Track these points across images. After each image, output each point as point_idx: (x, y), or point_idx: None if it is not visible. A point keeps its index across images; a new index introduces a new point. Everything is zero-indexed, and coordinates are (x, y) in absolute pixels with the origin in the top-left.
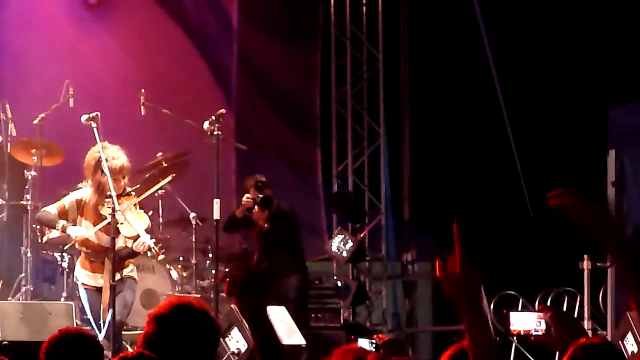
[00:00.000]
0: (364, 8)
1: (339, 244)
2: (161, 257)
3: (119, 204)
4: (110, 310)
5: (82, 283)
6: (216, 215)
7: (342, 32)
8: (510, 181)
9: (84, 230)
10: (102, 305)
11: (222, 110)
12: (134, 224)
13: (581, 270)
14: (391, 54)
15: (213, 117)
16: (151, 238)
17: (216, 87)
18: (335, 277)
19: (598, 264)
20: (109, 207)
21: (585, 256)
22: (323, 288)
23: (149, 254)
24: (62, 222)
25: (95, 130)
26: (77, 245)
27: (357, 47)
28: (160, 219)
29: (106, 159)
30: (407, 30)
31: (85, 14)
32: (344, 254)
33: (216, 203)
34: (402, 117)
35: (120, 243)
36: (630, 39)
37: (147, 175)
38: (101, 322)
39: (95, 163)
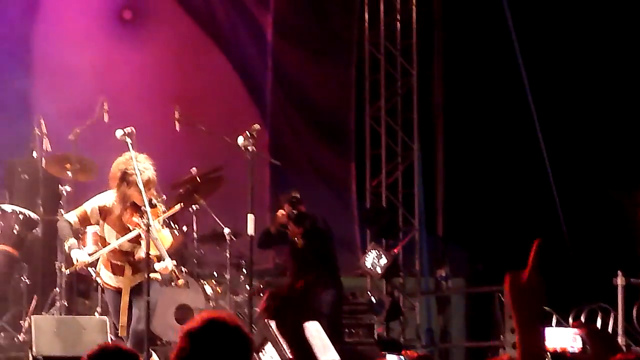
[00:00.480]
0: (398, 24)
1: (373, 259)
2: (181, 281)
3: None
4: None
5: (104, 282)
6: (250, 230)
7: (376, 48)
8: (543, 197)
9: (85, 256)
10: (120, 309)
11: (257, 126)
12: (158, 247)
13: (615, 286)
14: (425, 70)
15: (247, 133)
16: (173, 260)
17: (250, 102)
18: (369, 293)
19: (632, 280)
20: (136, 219)
21: (619, 272)
22: (357, 304)
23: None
24: (69, 242)
25: (130, 145)
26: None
27: (391, 62)
28: (195, 234)
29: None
30: (441, 45)
31: (120, 29)
32: (378, 269)
33: (250, 218)
34: (435, 132)
35: (142, 252)
36: None
37: (181, 191)
38: (120, 324)
39: (121, 175)
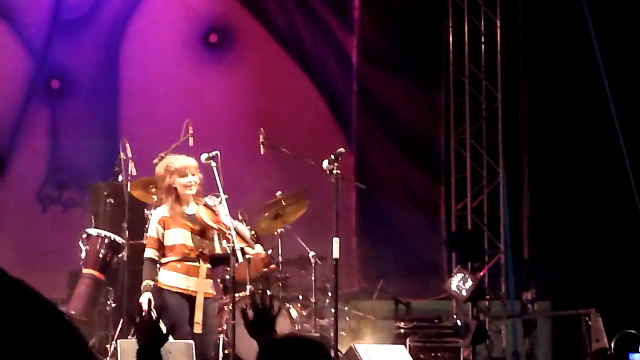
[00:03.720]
0: (483, 46)
1: (459, 282)
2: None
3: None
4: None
5: (170, 285)
6: (335, 254)
7: (461, 71)
8: (629, 220)
9: (149, 295)
10: (195, 308)
11: (341, 149)
12: (242, 234)
13: None
14: (510, 92)
15: (332, 156)
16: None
17: (335, 125)
18: (454, 316)
19: None
20: (199, 203)
21: None
22: (442, 327)
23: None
24: (145, 282)
25: (214, 169)
26: (165, 258)
27: (476, 85)
28: (280, 257)
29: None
30: (526, 68)
31: (205, 53)
32: (464, 292)
33: (335, 242)
34: (521, 155)
35: (217, 248)
36: None
37: (266, 214)
38: (195, 321)
39: (165, 170)
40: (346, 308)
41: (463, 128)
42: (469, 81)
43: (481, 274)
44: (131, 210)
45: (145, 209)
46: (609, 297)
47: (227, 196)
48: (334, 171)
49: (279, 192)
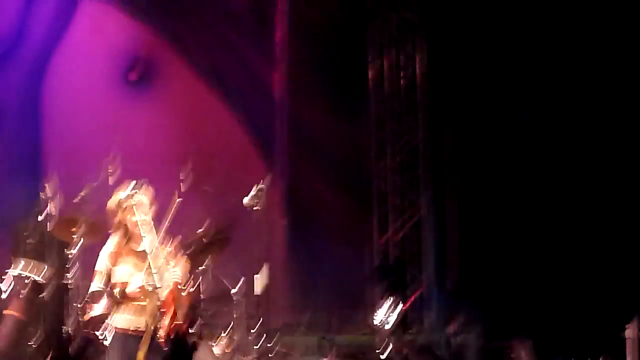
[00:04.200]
0: (403, 81)
1: (383, 316)
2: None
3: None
4: None
5: (119, 327)
6: (257, 290)
7: (382, 105)
8: (554, 251)
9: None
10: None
11: (262, 185)
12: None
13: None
14: (432, 125)
15: (253, 192)
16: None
17: (260, 161)
18: (378, 351)
19: None
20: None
21: (630, 324)
22: None
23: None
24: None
25: (134, 207)
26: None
27: (397, 119)
28: (202, 295)
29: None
30: (448, 100)
31: (128, 88)
32: (387, 326)
33: (257, 278)
34: (445, 188)
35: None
36: None
37: (188, 252)
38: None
39: (117, 205)
40: (269, 345)
41: (385, 162)
42: (391, 115)
43: (405, 307)
44: (52, 249)
45: (65, 249)
46: (536, 327)
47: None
48: (255, 208)
49: (200, 230)
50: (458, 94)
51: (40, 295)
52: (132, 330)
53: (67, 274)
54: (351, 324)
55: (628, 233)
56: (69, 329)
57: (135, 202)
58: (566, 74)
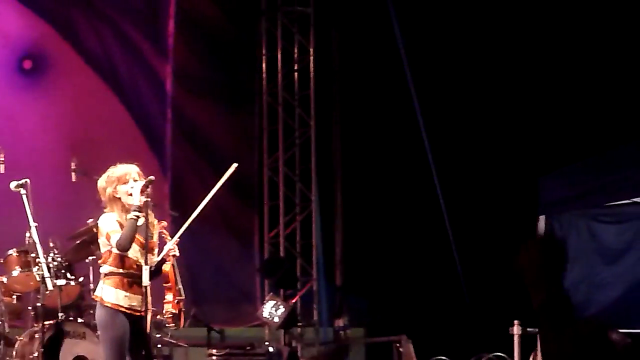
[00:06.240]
0: (296, 74)
1: (271, 309)
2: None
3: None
4: None
5: (113, 304)
6: (145, 281)
7: (274, 98)
8: (442, 247)
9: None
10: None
11: (151, 177)
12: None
13: (511, 335)
14: (323, 121)
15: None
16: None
17: (150, 153)
18: (267, 343)
19: (528, 330)
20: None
21: (516, 322)
22: (255, 354)
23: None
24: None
25: (24, 197)
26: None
27: (289, 113)
28: (91, 285)
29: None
30: (339, 96)
31: (19, 79)
32: (276, 319)
33: (145, 270)
34: (334, 182)
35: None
36: (563, 109)
37: (78, 242)
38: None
39: (106, 180)
40: (158, 335)
41: (276, 156)
42: (283, 109)
43: (293, 300)
44: None
45: None
46: (421, 323)
47: (37, 224)
48: (144, 199)
49: (91, 220)
50: (349, 88)
51: None
52: (126, 308)
53: None
54: (240, 316)
55: (512, 229)
56: None
57: (121, 172)
58: (459, 69)
